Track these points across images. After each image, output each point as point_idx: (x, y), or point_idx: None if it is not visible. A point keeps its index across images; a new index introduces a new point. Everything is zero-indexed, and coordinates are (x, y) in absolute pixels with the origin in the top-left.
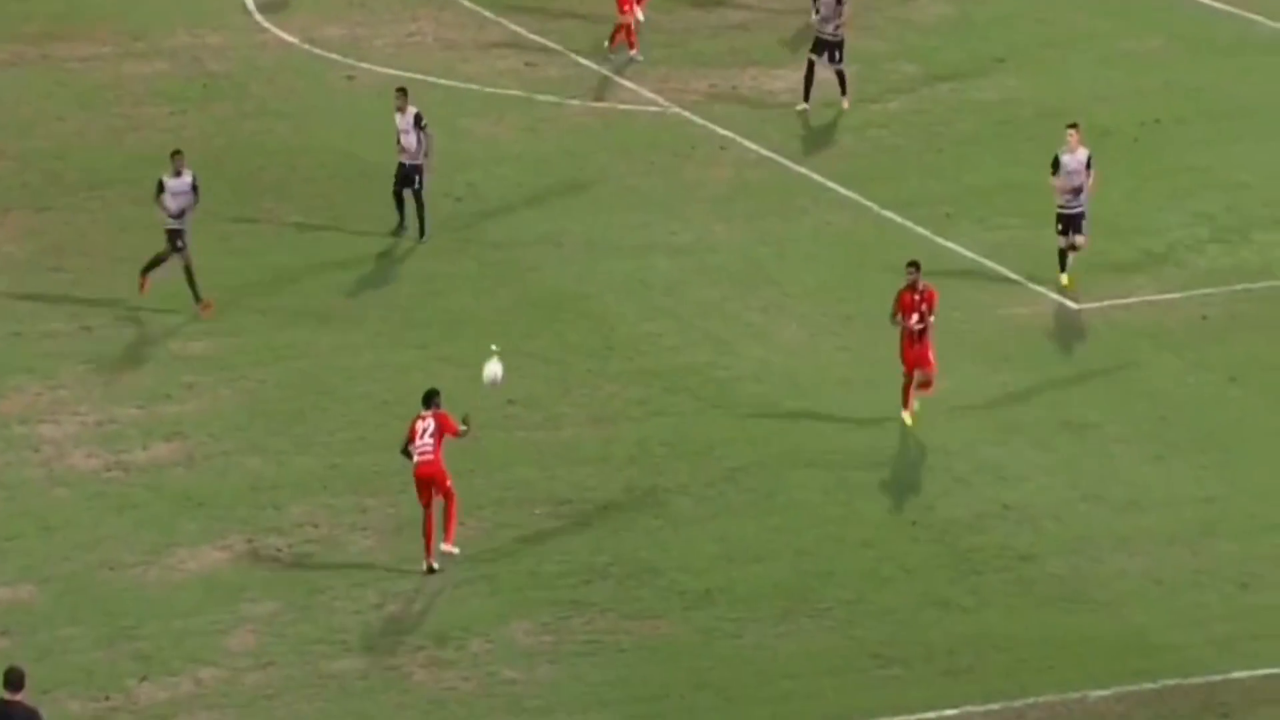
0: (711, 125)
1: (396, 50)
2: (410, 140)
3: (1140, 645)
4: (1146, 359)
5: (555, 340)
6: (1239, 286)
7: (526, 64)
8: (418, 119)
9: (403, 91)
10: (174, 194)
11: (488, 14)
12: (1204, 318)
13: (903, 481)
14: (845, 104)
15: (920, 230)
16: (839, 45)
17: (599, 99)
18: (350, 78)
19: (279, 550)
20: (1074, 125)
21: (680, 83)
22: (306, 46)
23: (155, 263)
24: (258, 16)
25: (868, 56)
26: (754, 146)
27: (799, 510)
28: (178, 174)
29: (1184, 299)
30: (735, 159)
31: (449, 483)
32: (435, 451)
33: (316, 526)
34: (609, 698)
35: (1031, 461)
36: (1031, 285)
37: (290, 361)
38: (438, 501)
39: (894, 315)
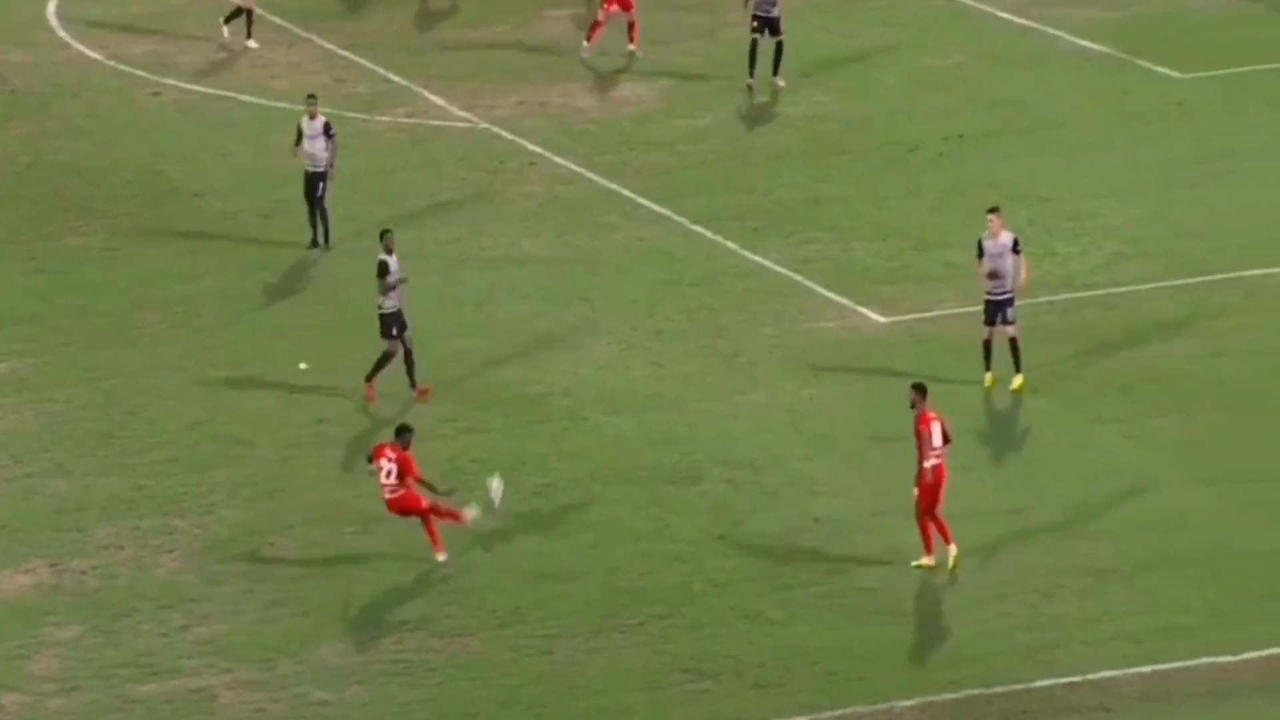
0: (521, 141)
1: (204, 67)
2: (318, 146)
3: (947, 656)
4: (952, 372)
5: (366, 357)
6: (1042, 299)
7: (336, 80)
8: (327, 127)
9: (313, 98)
10: None
11: (297, 30)
12: None
13: (714, 496)
14: (780, 82)
15: (730, 245)
16: (777, 21)
17: (409, 115)
18: (156, 94)
19: (84, 573)
20: (994, 210)
21: (490, 98)
22: (112, 63)
23: None
24: (62, 33)
25: (678, 72)
26: (564, 162)
27: (610, 526)
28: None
29: None
30: (545, 175)
31: (423, 505)
32: (400, 489)
33: (122, 549)
34: (418, 717)
35: (841, 475)
36: (839, 299)
37: (97, 382)
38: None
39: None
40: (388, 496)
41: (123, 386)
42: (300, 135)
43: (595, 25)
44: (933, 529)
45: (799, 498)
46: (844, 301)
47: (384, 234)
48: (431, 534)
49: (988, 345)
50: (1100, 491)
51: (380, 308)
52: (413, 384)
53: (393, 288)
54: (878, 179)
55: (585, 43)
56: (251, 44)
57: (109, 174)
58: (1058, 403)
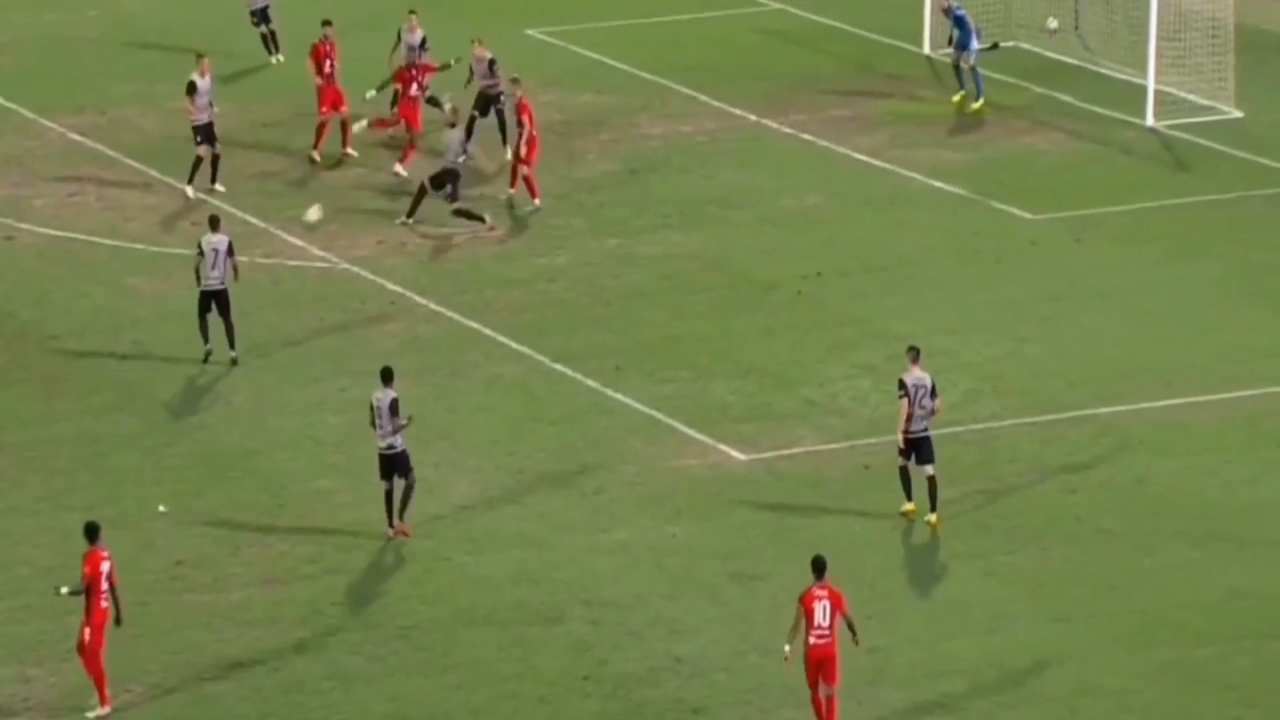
0: (381, 280)
1: (58, 210)
2: (220, 263)
3: None
4: (811, 509)
5: (225, 499)
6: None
7: (193, 223)
8: (230, 246)
9: (217, 219)
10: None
11: (152, 173)
12: (866, 467)
13: (576, 636)
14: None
15: (590, 383)
16: (497, 98)
17: (267, 255)
18: (9, 238)
19: None
20: (913, 349)
21: (348, 239)
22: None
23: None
24: None
25: (538, 211)
26: (424, 301)
27: (474, 668)
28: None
29: (847, 449)
30: (405, 314)
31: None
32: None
33: None
34: None
35: (703, 614)
36: (700, 437)
37: None
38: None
39: (796, 625)
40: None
41: None
42: (201, 251)
43: (409, 147)
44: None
45: (661, 637)
46: (705, 439)
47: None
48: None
49: (905, 477)
50: (957, 628)
51: (391, 448)
52: (400, 517)
53: (401, 428)
54: (736, 317)
55: (398, 165)
56: (219, 188)
57: None
58: (914, 539)
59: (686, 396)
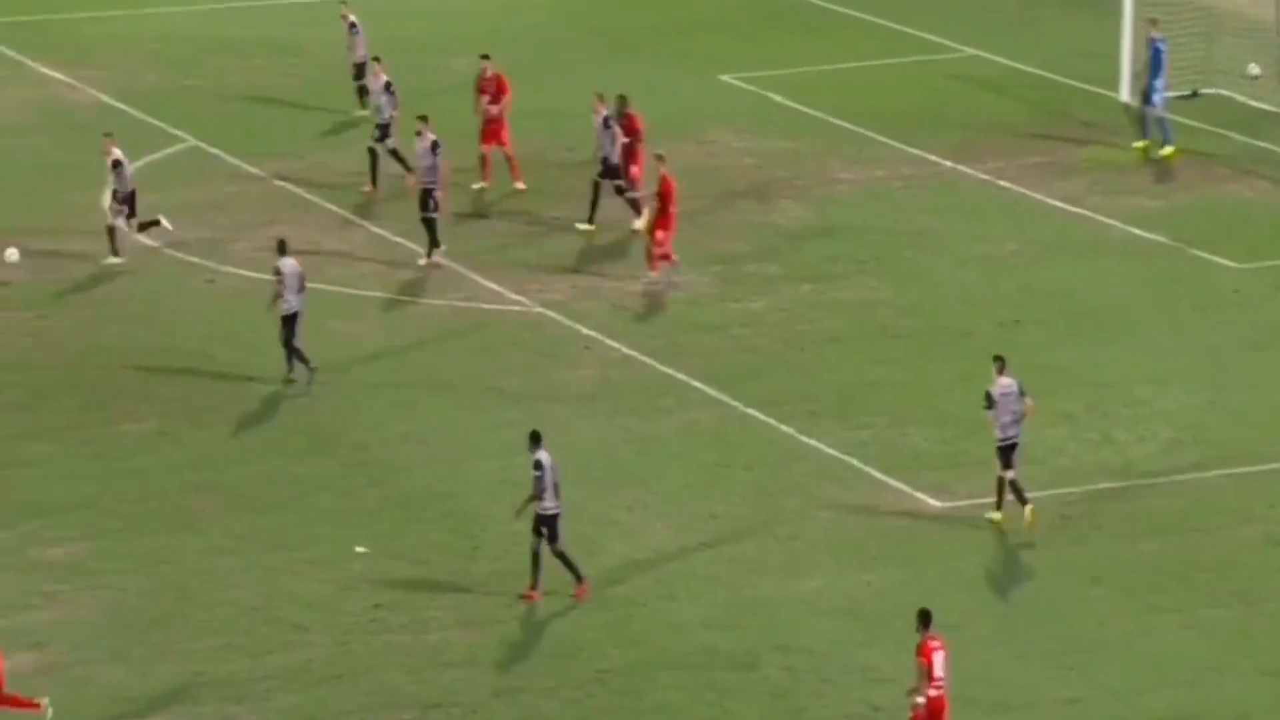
0: (575, 325)
1: (257, 253)
2: (294, 285)
3: None
4: (1008, 558)
5: (421, 540)
6: (1100, 486)
7: (389, 264)
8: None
9: (284, 242)
10: None
11: (350, 217)
12: (1065, 517)
13: (772, 683)
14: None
15: (785, 428)
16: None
17: (462, 299)
18: (210, 281)
19: None
20: (998, 358)
21: (543, 283)
22: (168, 251)
23: None
24: (118, 222)
25: (730, 257)
26: (617, 345)
27: (669, 713)
28: None
29: (1045, 498)
30: (599, 358)
31: None
32: None
33: None
34: None
35: (899, 662)
36: (895, 483)
37: (152, 568)
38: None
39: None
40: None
41: (178, 571)
42: None
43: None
44: None
45: (858, 685)
46: (900, 486)
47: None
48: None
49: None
50: (1157, 681)
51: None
52: (578, 580)
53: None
54: (932, 363)
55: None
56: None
57: (163, 359)
58: (1115, 590)
59: (881, 443)
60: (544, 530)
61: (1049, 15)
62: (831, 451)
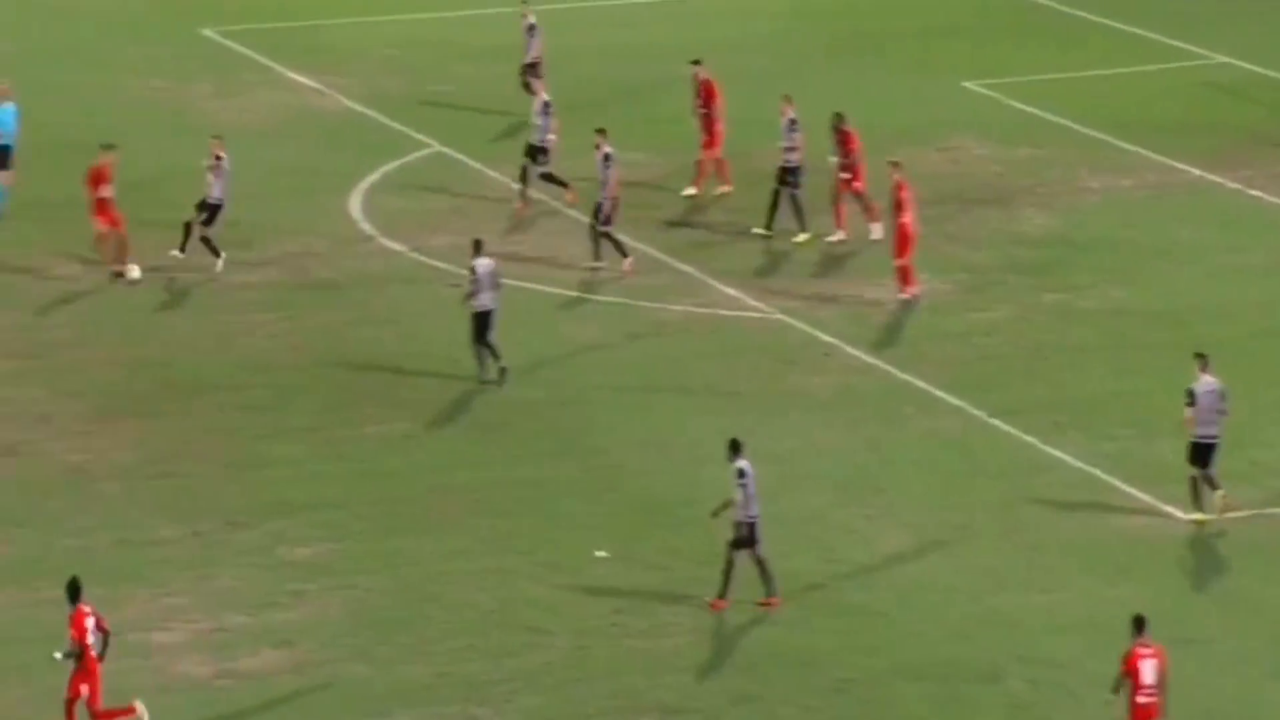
0: (815, 331)
1: (500, 259)
2: (489, 284)
3: None
4: (1260, 574)
5: (662, 545)
6: None
7: (630, 271)
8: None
9: (480, 242)
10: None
11: (588, 222)
12: None
13: (1015, 695)
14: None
15: (1028, 439)
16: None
17: (702, 306)
18: (454, 286)
19: None
20: (1201, 356)
21: (782, 290)
22: (413, 255)
23: None
24: (364, 225)
25: (973, 265)
26: (857, 353)
27: None
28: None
29: None
30: (839, 365)
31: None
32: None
33: None
34: None
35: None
36: (1143, 496)
37: (397, 568)
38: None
39: (1120, 682)
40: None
41: (420, 573)
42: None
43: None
44: None
45: (1102, 699)
46: (1147, 498)
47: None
48: None
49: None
50: None
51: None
52: (770, 591)
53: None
54: (1181, 375)
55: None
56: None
57: (407, 363)
58: None
59: (1128, 454)
60: (746, 538)
61: None
62: (1076, 463)
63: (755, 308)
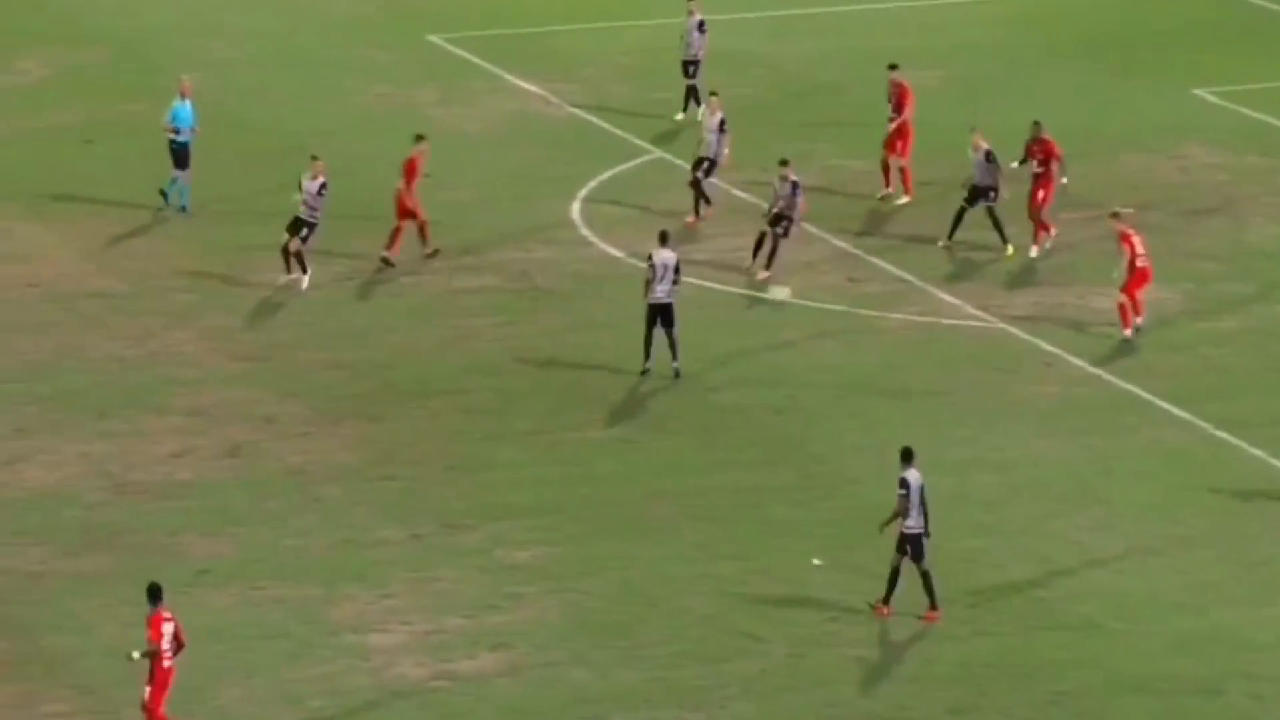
0: (1036, 341)
1: (720, 265)
2: (667, 277)
3: None
4: None
5: (877, 554)
6: None
7: (850, 279)
8: (677, 264)
9: (665, 233)
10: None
11: (812, 230)
12: None
13: (1238, 710)
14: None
15: (1256, 452)
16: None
17: (922, 314)
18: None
19: None
20: None
21: (1004, 299)
22: (632, 260)
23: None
24: (584, 231)
25: (1199, 276)
26: (1080, 363)
27: None
28: None
29: None
30: (1061, 375)
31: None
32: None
33: None
34: None
35: None
36: None
37: (614, 572)
38: None
39: None
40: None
41: (639, 578)
42: None
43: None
44: None
45: None
46: None
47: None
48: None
49: None
50: None
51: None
52: (932, 605)
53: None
54: None
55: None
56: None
57: (627, 368)
58: None
59: None
60: (907, 549)
61: None
62: None
63: (977, 316)
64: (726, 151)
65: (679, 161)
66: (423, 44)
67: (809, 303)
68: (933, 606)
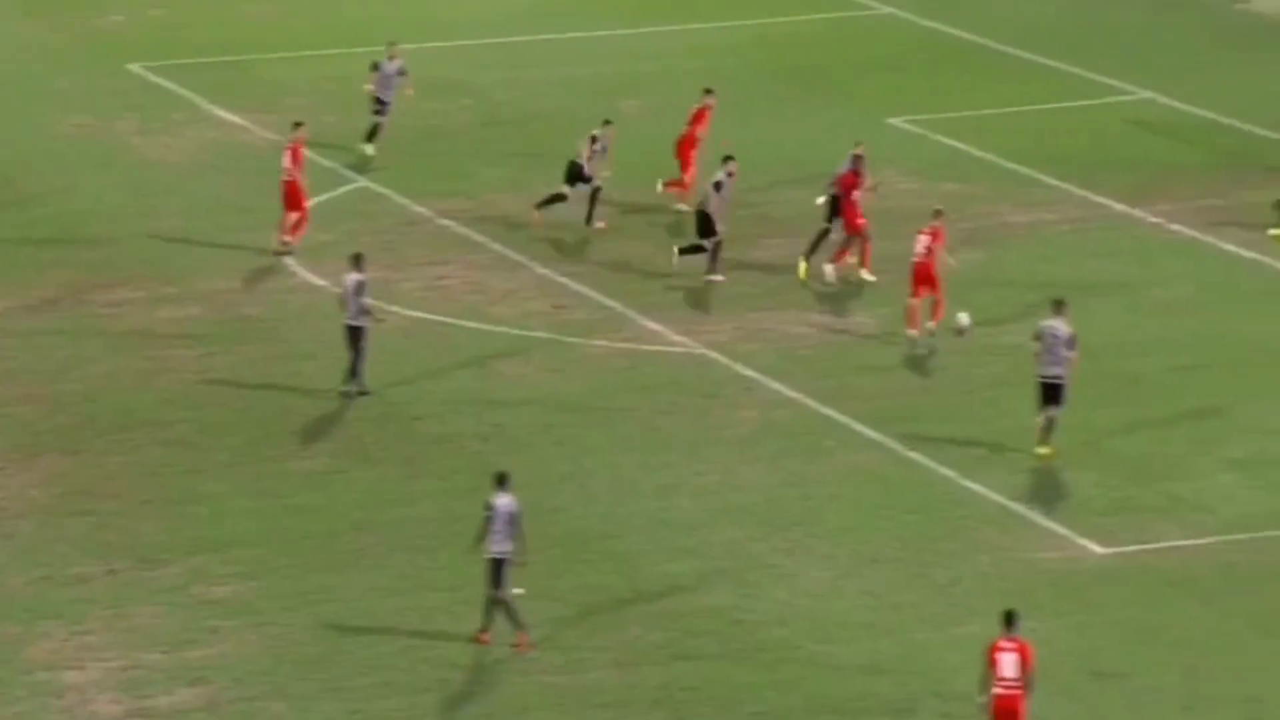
0: (737, 366)
1: (425, 293)
2: (350, 300)
3: None
4: (1174, 607)
5: (579, 581)
6: (1269, 534)
7: (554, 306)
8: (360, 285)
9: (358, 256)
10: None
11: (517, 258)
12: (1232, 565)
13: None
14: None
15: (946, 472)
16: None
17: (625, 340)
18: (380, 321)
19: None
20: (1058, 301)
21: (707, 324)
22: (335, 289)
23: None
24: (288, 260)
25: (896, 299)
26: (779, 387)
27: None
28: None
29: (1212, 545)
30: (760, 400)
31: None
32: None
33: None
34: None
35: (1061, 711)
36: (1058, 529)
37: (316, 605)
38: None
39: (985, 676)
40: None
41: (342, 610)
42: None
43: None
44: None
45: (976, 702)
46: (1063, 531)
47: None
48: None
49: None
50: None
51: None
52: (519, 629)
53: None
54: (1100, 408)
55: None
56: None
57: (332, 398)
58: None
59: (1045, 488)
60: (489, 573)
61: (1229, 60)
62: (994, 496)
63: (679, 343)
64: (607, 174)
65: (382, 190)
66: (122, 73)
67: (513, 330)
68: (520, 630)
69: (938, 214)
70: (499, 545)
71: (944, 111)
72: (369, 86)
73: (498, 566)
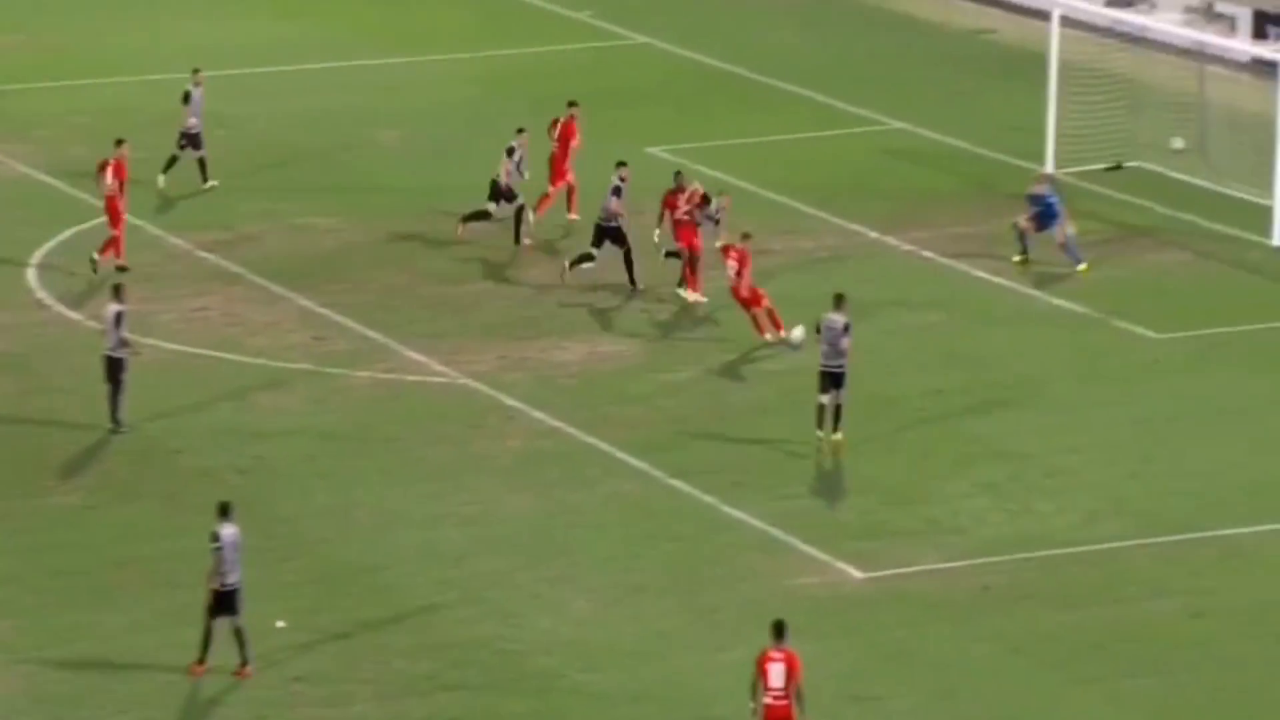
0: (500, 396)
1: (183, 325)
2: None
3: None
4: (930, 629)
5: (343, 614)
6: (1020, 556)
7: (314, 338)
8: (119, 317)
9: (118, 287)
10: None
11: (276, 289)
12: (986, 587)
13: None
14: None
15: (708, 499)
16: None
17: (388, 371)
18: (136, 354)
19: None
20: (838, 295)
21: (470, 354)
22: (91, 323)
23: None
24: (41, 294)
25: (657, 327)
26: (542, 416)
27: None
28: None
29: (966, 568)
30: (524, 429)
31: None
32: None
33: None
34: None
35: None
36: (818, 554)
37: (73, 643)
38: None
39: (754, 685)
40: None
41: (99, 647)
42: None
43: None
44: None
45: (748, 709)
46: (823, 557)
47: None
48: None
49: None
50: None
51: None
52: (243, 661)
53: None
54: (856, 433)
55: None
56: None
57: (88, 434)
58: (1036, 661)
59: (805, 513)
60: (224, 605)
61: (977, 89)
62: (755, 522)
63: (442, 373)
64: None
65: (138, 221)
66: None
67: (274, 362)
68: (245, 663)
69: (745, 237)
70: (234, 575)
71: (702, 140)
72: (193, 120)
73: (233, 596)
